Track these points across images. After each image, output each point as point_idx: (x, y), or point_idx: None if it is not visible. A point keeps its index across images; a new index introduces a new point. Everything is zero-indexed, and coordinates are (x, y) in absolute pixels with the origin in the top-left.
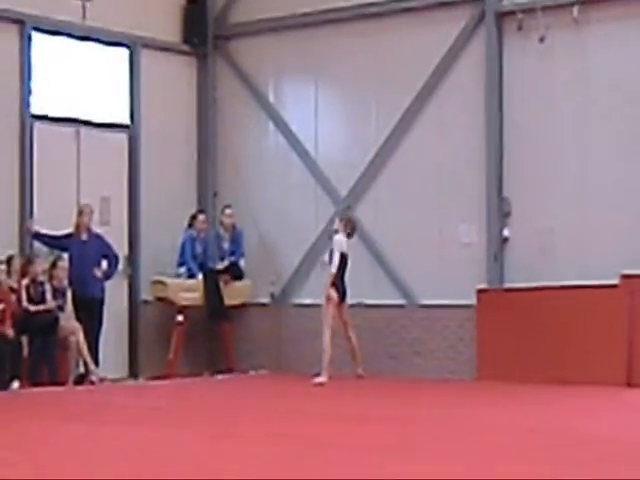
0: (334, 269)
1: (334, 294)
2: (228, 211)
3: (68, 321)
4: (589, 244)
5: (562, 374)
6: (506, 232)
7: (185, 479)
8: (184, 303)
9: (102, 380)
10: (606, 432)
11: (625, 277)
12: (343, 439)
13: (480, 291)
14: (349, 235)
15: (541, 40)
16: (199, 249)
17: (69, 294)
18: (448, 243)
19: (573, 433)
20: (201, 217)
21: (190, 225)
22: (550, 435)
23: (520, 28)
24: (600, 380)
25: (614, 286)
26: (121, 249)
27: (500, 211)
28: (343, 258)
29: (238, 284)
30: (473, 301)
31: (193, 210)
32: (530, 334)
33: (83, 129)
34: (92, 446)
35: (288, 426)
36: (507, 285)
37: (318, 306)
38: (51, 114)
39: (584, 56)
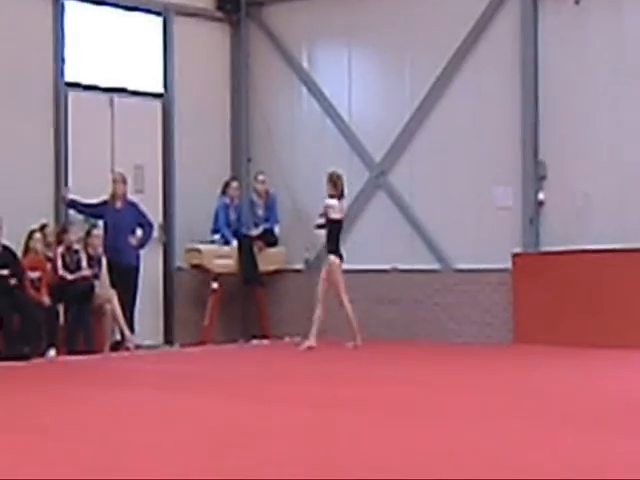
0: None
1: (336, 260)
2: (261, 177)
3: (103, 289)
4: (625, 207)
5: (598, 338)
6: (542, 196)
7: (226, 442)
8: (218, 270)
9: (138, 347)
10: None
11: None
12: (389, 403)
13: (515, 255)
14: (341, 196)
15: (576, 2)
16: (233, 216)
17: (104, 262)
18: (483, 207)
19: (609, 396)
20: (234, 184)
21: (223, 192)
22: (585, 398)
23: None
24: (636, 343)
25: None
26: (155, 217)
27: (536, 174)
28: (337, 223)
29: (272, 250)
30: (509, 265)
31: (227, 177)
32: (566, 298)
33: (117, 97)
34: (131, 411)
35: (324, 390)
36: (543, 249)
37: (352, 272)
38: (85, 82)
39: (620, 18)
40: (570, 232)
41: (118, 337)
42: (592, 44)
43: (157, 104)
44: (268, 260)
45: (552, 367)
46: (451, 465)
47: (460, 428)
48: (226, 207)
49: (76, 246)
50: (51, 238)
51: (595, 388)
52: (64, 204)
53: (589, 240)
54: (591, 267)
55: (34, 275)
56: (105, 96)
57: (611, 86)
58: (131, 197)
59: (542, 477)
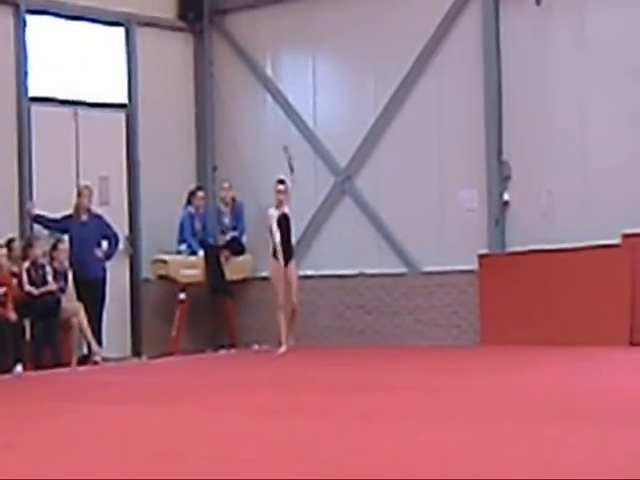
0: (276, 239)
1: (275, 264)
2: (226, 184)
3: (70, 302)
4: (590, 205)
5: (565, 336)
6: (506, 196)
7: (199, 454)
8: (185, 280)
9: (105, 360)
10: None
11: (627, 236)
12: (352, 409)
13: (482, 256)
14: (292, 170)
15: (538, 2)
16: (198, 226)
17: (70, 275)
18: (449, 209)
19: (578, 392)
20: (200, 193)
21: (189, 202)
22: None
23: None
24: (604, 340)
25: (616, 246)
26: (121, 228)
27: (500, 175)
28: (281, 222)
29: (239, 259)
30: (475, 266)
31: (193, 186)
32: (533, 297)
33: (81, 110)
34: (99, 425)
35: (292, 398)
36: (509, 249)
37: (319, 277)
38: (49, 96)
39: (581, 17)
40: (536, 232)
41: (85, 351)
42: (554, 45)
43: (121, 115)
44: (235, 269)
45: (518, 367)
46: (405, 464)
47: (419, 428)
48: (191, 217)
49: (42, 260)
50: (17, 252)
51: (562, 385)
52: (29, 218)
53: (554, 239)
54: (557, 266)
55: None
56: (69, 109)
57: (573, 86)
58: (96, 209)
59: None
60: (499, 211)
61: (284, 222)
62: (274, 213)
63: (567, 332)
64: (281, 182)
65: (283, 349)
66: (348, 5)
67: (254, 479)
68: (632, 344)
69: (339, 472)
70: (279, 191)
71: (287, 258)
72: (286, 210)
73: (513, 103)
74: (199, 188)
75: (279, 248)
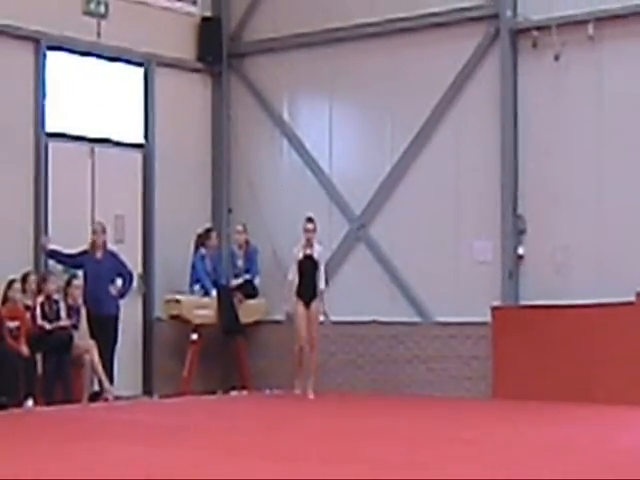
0: (289, 279)
1: (298, 301)
2: (240, 227)
3: (82, 339)
4: (605, 262)
5: (578, 393)
6: (521, 250)
7: None
8: (198, 321)
9: (116, 398)
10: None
11: None
12: (365, 456)
13: (495, 308)
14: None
15: (556, 58)
16: (209, 267)
17: (83, 312)
18: (463, 260)
19: (590, 451)
20: (212, 235)
21: (197, 245)
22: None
23: (535, 45)
24: (618, 399)
25: (631, 303)
26: (135, 267)
27: (515, 228)
28: (304, 264)
29: (252, 302)
30: (488, 318)
31: (201, 230)
32: (545, 352)
33: (98, 147)
34: (105, 465)
35: (302, 445)
36: (522, 303)
37: (334, 324)
38: (66, 132)
39: (599, 73)
40: (550, 286)
41: (97, 388)
42: (572, 99)
43: (138, 155)
44: (248, 311)
45: (528, 422)
46: None
47: None
48: (203, 258)
49: (56, 296)
50: (32, 287)
51: (571, 443)
52: (44, 253)
53: (569, 294)
54: (570, 322)
55: (12, 325)
56: (86, 146)
57: (591, 141)
58: (111, 247)
59: None
60: (513, 264)
61: (309, 264)
62: (298, 254)
63: (580, 389)
64: (310, 220)
65: (311, 395)
66: (366, 51)
67: None
68: None
69: None
70: (307, 230)
71: (308, 300)
72: (313, 252)
73: (530, 156)
74: (210, 229)
75: (293, 289)
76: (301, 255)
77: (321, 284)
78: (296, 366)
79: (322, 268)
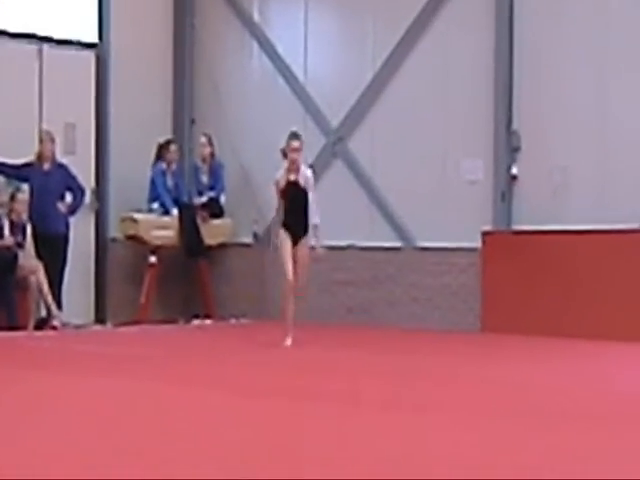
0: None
1: (283, 233)
2: (204, 139)
3: (28, 259)
4: (607, 185)
5: (576, 327)
6: (515, 169)
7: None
8: (157, 242)
9: (65, 325)
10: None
11: None
12: (336, 392)
13: (485, 233)
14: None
15: None
16: (170, 183)
17: (29, 230)
18: (451, 180)
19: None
20: (172, 147)
21: (158, 157)
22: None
23: None
24: (618, 335)
25: (635, 231)
26: (87, 181)
27: (509, 146)
28: (289, 192)
29: (217, 222)
30: (478, 244)
31: (163, 139)
32: (540, 282)
33: (46, 46)
34: (49, 397)
35: (270, 378)
36: (515, 228)
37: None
38: (10, 29)
39: None
40: (545, 210)
41: (44, 314)
42: (573, 7)
43: (91, 56)
44: (213, 232)
45: (523, 359)
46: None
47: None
48: (163, 173)
49: None
50: None
51: (571, 382)
52: None
53: (566, 219)
54: (568, 250)
55: None
56: (33, 45)
57: (594, 52)
58: (60, 159)
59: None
60: (506, 185)
61: (295, 193)
62: (281, 180)
63: (578, 324)
64: (295, 137)
65: (289, 341)
66: None
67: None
68: None
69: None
70: (292, 149)
71: (296, 237)
72: (299, 177)
73: (526, 68)
74: (170, 141)
75: (279, 221)
76: (283, 183)
77: (315, 218)
78: (282, 311)
79: (313, 197)
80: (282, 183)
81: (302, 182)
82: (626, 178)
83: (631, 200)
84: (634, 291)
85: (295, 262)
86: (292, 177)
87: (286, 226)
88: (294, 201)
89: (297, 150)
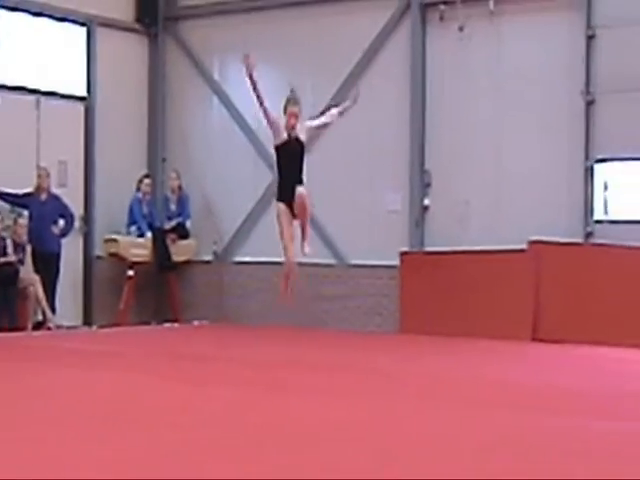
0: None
1: (276, 204)
2: (173, 174)
3: (27, 273)
4: (500, 214)
5: (475, 329)
6: (427, 201)
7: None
8: (134, 259)
9: (58, 327)
10: (512, 379)
11: (532, 243)
12: (278, 382)
13: (403, 253)
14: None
15: (460, 29)
16: (145, 210)
17: (29, 249)
18: (376, 210)
19: (480, 380)
20: (146, 181)
21: (138, 188)
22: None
23: (442, 18)
24: (509, 335)
25: (522, 251)
26: (77, 209)
27: (422, 182)
28: (278, 150)
29: (184, 242)
30: (397, 262)
31: (142, 174)
32: (447, 293)
33: (43, 98)
34: (46, 386)
35: (225, 371)
36: (427, 249)
37: (257, 264)
38: (15, 84)
39: (498, 45)
40: (452, 235)
41: (40, 317)
42: (474, 68)
43: (80, 106)
44: (180, 251)
45: (431, 354)
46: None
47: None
48: (139, 202)
49: (3, 233)
50: None
51: (468, 373)
52: None
53: (468, 243)
54: (469, 266)
55: None
56: (32, 97)
57: (491, 106)
58: (55, 190)
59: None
60: (420, 214)
61: (293, 148)
62: (281, 136)
63: (476, 326)
64: (294, 102)
65: (307, 249)
66: (289, 19)
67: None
68: (534, 340)
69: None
70: (291, 114)
71: (291, 200)
72: (298, 133)
73: (436, 117)
74: (146, 176)
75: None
76: (279, 141)
77: (332, 110)
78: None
79: (321, 118)
80: (278, 142)
81: (302, 137)
82: (514, 210)
83: (519, 228)
84: (521, 299)
85: (301, 205)
86: (287, 136)
87: (281, 191)
88: (292, 157)
89: (295, 116)
